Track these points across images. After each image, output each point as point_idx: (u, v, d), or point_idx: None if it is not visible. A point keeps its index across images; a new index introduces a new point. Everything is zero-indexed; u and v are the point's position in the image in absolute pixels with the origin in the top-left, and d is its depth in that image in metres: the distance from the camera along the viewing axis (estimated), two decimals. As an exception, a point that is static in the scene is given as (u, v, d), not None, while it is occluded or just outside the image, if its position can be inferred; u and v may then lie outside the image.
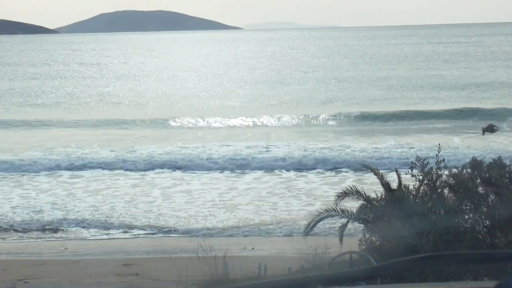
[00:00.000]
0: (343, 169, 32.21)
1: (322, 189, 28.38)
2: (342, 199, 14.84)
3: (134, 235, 22.91)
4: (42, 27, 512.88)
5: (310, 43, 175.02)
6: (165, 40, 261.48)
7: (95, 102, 64.75)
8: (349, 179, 28.81)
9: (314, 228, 15.32)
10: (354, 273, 3.48)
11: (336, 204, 14.74)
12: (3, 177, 32.31)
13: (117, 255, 20.38)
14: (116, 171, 33.08)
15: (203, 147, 38.08)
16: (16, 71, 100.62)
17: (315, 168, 32.39)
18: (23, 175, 32.76)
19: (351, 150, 35.92)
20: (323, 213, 14.89)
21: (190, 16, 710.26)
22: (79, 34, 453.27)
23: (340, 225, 15.05)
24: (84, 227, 23.81)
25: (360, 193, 14.60)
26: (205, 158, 34.50)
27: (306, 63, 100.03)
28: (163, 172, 32.86)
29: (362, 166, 15.87)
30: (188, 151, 36.62)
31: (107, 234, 23.14)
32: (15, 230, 23.61)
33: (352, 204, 15.23)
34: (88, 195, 28.26)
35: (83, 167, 33.85)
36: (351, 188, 14.80)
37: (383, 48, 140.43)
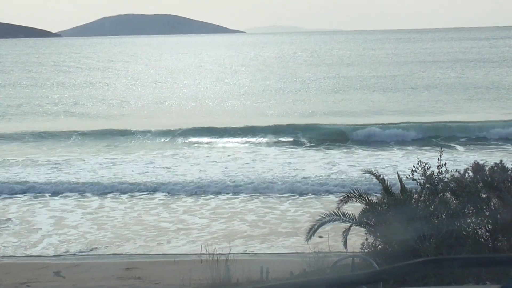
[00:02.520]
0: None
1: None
2: (345, 203, 14.85)
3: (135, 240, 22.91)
4: (44, 30, 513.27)
5: (327, 48, 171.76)
6: (167, 43, 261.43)
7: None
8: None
9: (317, 232, 15.30)
10: (356, 277, 3.49)
11: (339, 208, 14.75)
12: None
13: (119, 259, 20.38)
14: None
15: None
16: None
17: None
18: None
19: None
20: (325, 217, 14.89)
21: (192, 20, 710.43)
22: (82, 37, 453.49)
23: (343, 229, 15.03)
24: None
25: (362, 196, 14.60)
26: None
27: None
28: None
29: (365, 172, 15.86)
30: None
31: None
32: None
33: (355, 208, 15.23)
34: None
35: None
36: (353, 191, 14.81)
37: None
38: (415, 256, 12.68)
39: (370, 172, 15.62)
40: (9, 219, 25.31)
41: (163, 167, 34.35)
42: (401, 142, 40.61)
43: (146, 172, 33.05)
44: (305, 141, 42.10)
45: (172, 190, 29.32)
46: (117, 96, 71.42)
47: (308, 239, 14.98)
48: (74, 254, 21.14)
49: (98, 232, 23.51)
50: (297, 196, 27.97)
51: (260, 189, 28.96)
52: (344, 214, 14.63)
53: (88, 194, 29.24)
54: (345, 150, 38.31)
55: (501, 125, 42.76)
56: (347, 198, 14.82)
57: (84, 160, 36.58)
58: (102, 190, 29.70)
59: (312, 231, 14.94)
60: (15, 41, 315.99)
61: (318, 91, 69.65)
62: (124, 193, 29.26)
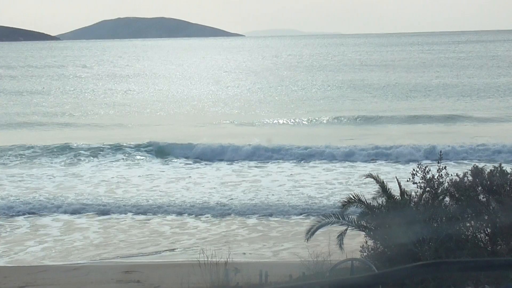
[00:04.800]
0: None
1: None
2: (347, 208, 14.86)
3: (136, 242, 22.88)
4: (44, 33, 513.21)
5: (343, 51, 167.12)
6: (168, 46, 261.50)
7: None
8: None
9: (316, 234, 15.32)
10: (355, 280, 3.49)
11: (344, 212, 14.78)
12: None
13: (118, 262, 20.37)
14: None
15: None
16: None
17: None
18: None
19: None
20: (324, 219, 14.90)
21: (191, 23, 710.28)
22: (81, 41, 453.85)
23: (340, 232, 15.04)
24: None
25: (362, 201, 14.62)
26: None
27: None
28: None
29: (366, 176, 15.88)
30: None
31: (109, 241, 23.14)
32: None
33: (355, 210, 15.24)
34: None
35: None
36: (353, 196, 14.83)
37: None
38: (414, 259, 12.69)
39: (370, 175, 15.64)
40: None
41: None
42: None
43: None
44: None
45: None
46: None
47: (307, 239, 15.00)
48: (74, 258, 21.12)
49: (98, 236, 23.52)
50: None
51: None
52: (343, 217, 14.63)
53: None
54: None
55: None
56: (348, 203, 14.84)
57: None
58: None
59: (310, 232, 14.96)
60: (15, 44, 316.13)
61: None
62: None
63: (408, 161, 35.02)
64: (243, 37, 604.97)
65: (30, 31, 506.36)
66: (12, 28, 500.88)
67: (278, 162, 36.54)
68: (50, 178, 33.07)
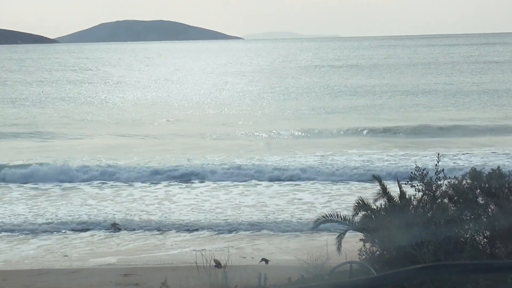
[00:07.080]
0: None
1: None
2: (358, 213, 14.81)
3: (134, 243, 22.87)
4: (42, 36, 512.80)
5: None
6: (169, 49, 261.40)
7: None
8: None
9: (315, 237, 15.34)
10: (354, 283, 3.51)
11: (354, 214, 14.78)
12: None
13: (117, 265, 20.36)
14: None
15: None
16: None
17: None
18: None
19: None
20: (326, 217, 14.92)
21: (190, 26, 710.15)
22: (80, 44, 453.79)
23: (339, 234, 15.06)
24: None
25: (366, 204, 14.61)
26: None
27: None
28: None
29: (372, 177, 15.90)
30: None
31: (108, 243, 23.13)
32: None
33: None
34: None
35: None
36: (361, 200, 14.82)
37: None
38: (413, 262, 12.69)
39: (376, 177, 15.63)
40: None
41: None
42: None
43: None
44: None
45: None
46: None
47: (313, 228, 15.03)
48: (73, 260, 21.12)
49: (98, 237, 23.52)
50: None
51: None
52: (344, 218, 14.64)
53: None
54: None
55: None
56: (358, 208, 14.80)
57: None
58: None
59: (316, 224, 15.06)
60: (15, 47, 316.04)
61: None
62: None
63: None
64: (242, 40, 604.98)
65: (29, 34, 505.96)
66: (11, 31, 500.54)
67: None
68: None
